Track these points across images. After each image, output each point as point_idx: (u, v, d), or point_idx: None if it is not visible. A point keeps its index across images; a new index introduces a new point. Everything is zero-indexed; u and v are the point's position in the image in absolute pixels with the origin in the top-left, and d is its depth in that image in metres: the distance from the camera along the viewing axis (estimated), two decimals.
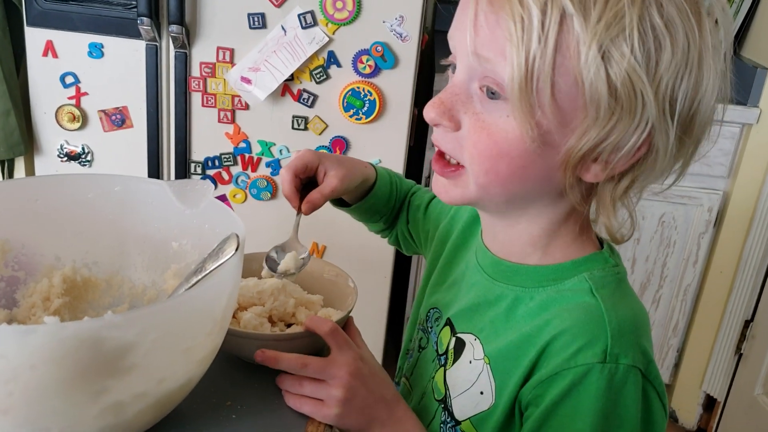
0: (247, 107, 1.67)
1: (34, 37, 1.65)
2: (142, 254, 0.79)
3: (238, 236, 0.65)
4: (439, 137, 0.64)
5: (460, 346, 0.72)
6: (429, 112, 0.63)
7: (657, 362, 2.00)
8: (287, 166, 0.81)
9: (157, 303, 0.58)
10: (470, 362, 0.70)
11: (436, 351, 0.76)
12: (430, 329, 0.79)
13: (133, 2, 1.60)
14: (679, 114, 0.58)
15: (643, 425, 0.62)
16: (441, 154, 0.66)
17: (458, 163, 0.64)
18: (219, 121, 1.68)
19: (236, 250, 0.64)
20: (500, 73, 0.57)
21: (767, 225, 1.85)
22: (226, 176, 1.74)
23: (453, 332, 0.74)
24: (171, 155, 1.73)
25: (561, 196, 0.64)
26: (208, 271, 0.65)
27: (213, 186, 0.76)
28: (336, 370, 0.69)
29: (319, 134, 1.67)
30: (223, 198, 1.75)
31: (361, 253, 1.79)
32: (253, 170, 1.72)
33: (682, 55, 0.56)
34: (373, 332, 1.85)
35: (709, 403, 2.06)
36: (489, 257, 0.72)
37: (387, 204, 0.93)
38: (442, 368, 0.74)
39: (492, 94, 0.59)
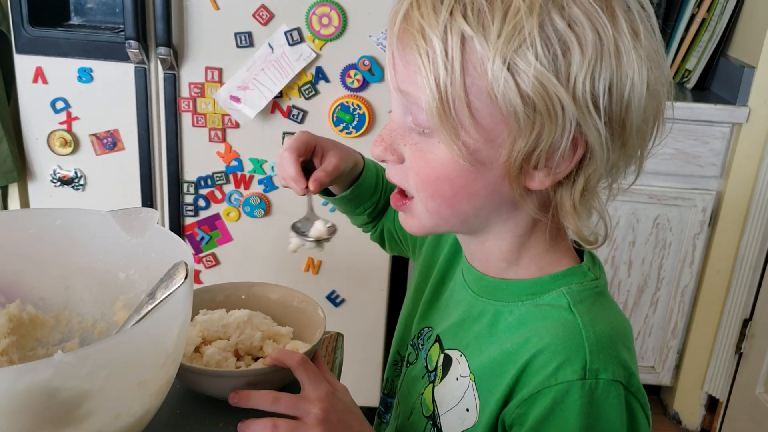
0: (237, 126, 1.68)
1: (24, 64, 1.66)
2: (88, 287, 0.77)
3: (186, 264, 0.64)
4: (391, 172, 0.67)
5: (447, 362, 0.72)
6: (374, 150, 0.66)
7: (658, 364, 1.99)
8: (288, 147, 0.79)
9: (108, 339, 0.57)
10: (457, 379, 0.70)
11: (426, 368, 0.76)
12: (421, 346, 0.79)
13: (121, 26, 1.61)
14: (605, 108, 0.57)
15: None
16: (400, 191, 0.68)
17: (407, 195, 0.67)
18: (210, 140, 1.69)
19: (185, 278, 0.63)
20: (421, 104, 0.59)
21: (761, 223, 1.85)
22: (219, 195, 1.74)
23: (441, 349, 0.74)
24: (163, 176, 1.73)
25: (517, 209, 0.65)
26: (157, 302, 0.64)
27: (157, 213, 0.75)
28: (310, 405, 0.67)
29: None
30: (216, 217, 1.76)
31: (356, 267, 1.79)
32: (246, 188, 1.73)
33: (594, 50, 0.56)
34: (371, 345, 1.85)
35: (712, 404, 2.05)
36: (473, 273, 0.72)
37: (372, 195, 0.92)
38: (431, 385, 0.74)
39: (421, 125, 0.61)
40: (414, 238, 0.92)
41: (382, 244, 1.00)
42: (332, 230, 0.81)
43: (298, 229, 0.80)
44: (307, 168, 0.82)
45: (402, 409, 0.80)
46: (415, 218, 0.67)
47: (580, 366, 0.60)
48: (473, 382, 0.68)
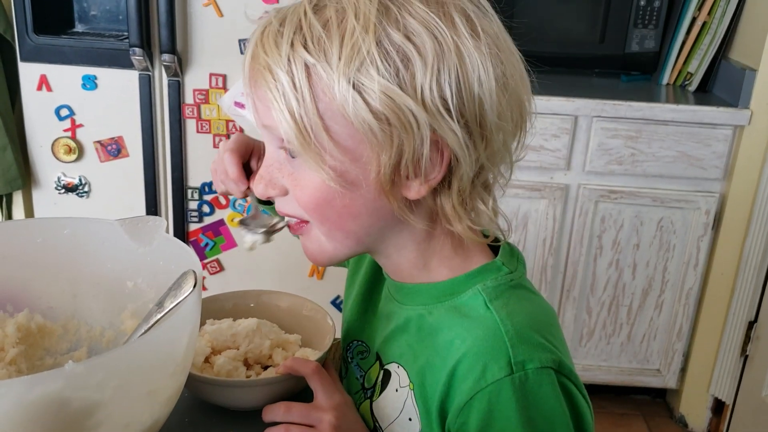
0: (241, 131, 1.68)
1: (28, 72, 1.67)
2: (97, 296, 0.77)
3: (195, 272, 0.65)
4: (279, 205, 0.68)
5: (386, 377, 0.72)
6: (256, 189, 0.67)
7: (663, 367, 1.98)
8: (229, 149, 0.78)
9: (118, 348, 0.58)
10: (396, 390, 0.70)
11: (362, 385, 0.76)
12: (350, 360, 0.79)
13: (125, 33, 1.62)
14: (457, 109, 0.59)
15: (573, 419, 0.62)
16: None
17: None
18: (214, 146, 1.70)
19: (194, 287, 0.63)
20: (282, 136, 0.61)
21: (765, 225, 1.85)
22: (223, 201, 1.74)
23: (381, 366, 0.74)
24: (168, 182, 1.74)
25: (406, 221, 0.65)
26: (166, 311, 0.64)
27: (165, 222, 0.75)
28: (323, 413, 0.68)
29: None
30: (220, 222, 1.76)
31: None
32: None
33: (435, 56, 0.58)
34: None
35: (718, 407, 2.05)
36: (392, 284, 0.73)
37: None
38: (368, 401, 0.74)
39: (291, 152, 0.63)
40: None
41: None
42: (281, 221, 0.78)
43: (248, 226, 0.78)
44: (245, 170, 0.81)
45: None
46: (315, 243, 0.68)
47: (505, 362, 0.60)
48: (412, 391, 0.68)
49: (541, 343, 0.62)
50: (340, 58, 0.57)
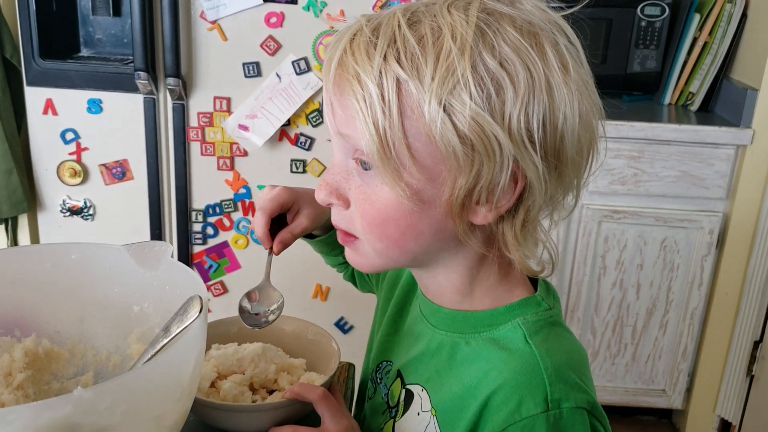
0: (245, 154, 1.69)
1: (34, 96, 1.68)
2: (103, 320, 0.78)
3: (201, 298, 0.65)
4: (336, 218, 0.67)
5: (409, 397, 0.72)
6: (318, 195, 0.66)
7: (669, 387, 1.96)
8: (262, 208, 0.81)
9: (126, 373, 0.58)
10: (418, 414, 0.70)
11: (387, 404, 0.76)
12: (379, 380, 0.79)
13: (130, 57, 1.63)
14: (540, 142, 0.59)
15: None
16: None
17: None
18: (218, 168, 1.70)
19: (200, 312, 0.63)
20: (362, 147, 0.60)
21: None
22: (227, 222, 1.75)
23: (403, 384, 0.74)
24: (172, 205, 1.74)
25: (463, 244, 0.65)
26: (172, 336, 0.64)
27: (171, 247, 0.75)
28: None
29: (318, 176, 1.69)
30: (224, 245, 1.76)
31: (365, 294, 1.79)
32: (254, 215, 1.73)
33: (526, 87, 0.57)
34: None
35: (725, 427, 2.03)
36: (428, 305, 0.72)
37: None
38: (392, 420, 0.74)
39: (364, 164, 0.62)
40: (376, 274, 0.92)
41: (354, 284, 1.01)
42: (277, 311, 0.81)
43: (245, 310, 0.81)
44: (282, 214, 0.83)
45: None
46: (363, 257, 0.67)
47: (542, 398, 0.60)
48: (434, 417, 0.68)
49: (578, 383, 0.62)
50: (433, 78, 0.56)
